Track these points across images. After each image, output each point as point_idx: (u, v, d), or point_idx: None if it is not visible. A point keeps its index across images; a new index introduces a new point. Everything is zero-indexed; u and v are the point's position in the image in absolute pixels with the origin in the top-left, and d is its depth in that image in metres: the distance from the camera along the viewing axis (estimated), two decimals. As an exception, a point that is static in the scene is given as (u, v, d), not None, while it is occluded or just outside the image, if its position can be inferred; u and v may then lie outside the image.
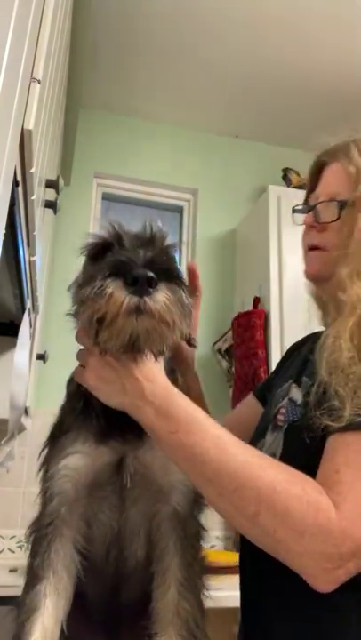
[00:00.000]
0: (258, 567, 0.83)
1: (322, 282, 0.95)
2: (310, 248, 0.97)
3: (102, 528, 0.78)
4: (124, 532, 0.78)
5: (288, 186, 2.91)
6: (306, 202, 1.04)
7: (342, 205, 0.91)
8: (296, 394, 0.89)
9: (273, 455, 0.83)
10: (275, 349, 2.41)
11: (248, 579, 0.90)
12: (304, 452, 0.77)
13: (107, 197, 3.09)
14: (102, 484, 0.76)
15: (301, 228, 1.02)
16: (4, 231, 0.65)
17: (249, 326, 2.49)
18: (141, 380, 0.71)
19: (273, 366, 2.38)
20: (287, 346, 1.15)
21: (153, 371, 0.73)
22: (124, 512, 0.77)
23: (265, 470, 0.67)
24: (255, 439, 0.95)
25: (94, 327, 0.67)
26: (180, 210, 3.20)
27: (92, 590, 0.81)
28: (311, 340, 1.00)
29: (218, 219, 3.08)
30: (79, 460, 0.75)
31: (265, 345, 2.46)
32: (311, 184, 1.04)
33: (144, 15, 2.40)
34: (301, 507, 0.64)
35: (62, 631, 0.74)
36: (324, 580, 0.65)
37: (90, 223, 2.90)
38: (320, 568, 0.65)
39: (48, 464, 0.79)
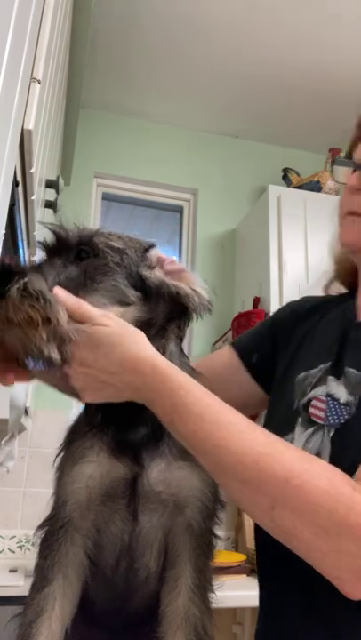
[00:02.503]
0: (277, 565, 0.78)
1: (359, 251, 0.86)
2: (350, 213, 0.85)
3: (112, 539, 0.77)
4: (136, 545, 0.77)
5: (288, 186, 2.91)
6: (350, 155, 0.90)
7: None
8: (337, 389, 0.78)
9: None
10: (275, 349, 2.41)
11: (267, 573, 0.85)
12: (358, 457, 0.66)
13: (107, 197, 3.09)
14: (115, 496, 0.75)
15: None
16: (4, 231, 0.65)
17: (249, 326, 2.48)
18: (123, 372, 0.65)
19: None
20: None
21: (128, 356, 0.65)
22: (136, 526, 0.76)
23: (278, 457, 0.59)
24: (277, 433, 0.82)
25: None
26: (180, 210, 3.20)
27: (100, 598, 0.81)
28: (338, 311, 0.91)
29: (218, 219, 3.08)
30: (94, 468, 0.74)
31: (265, 345, 2.45)
32: (357, 133, 0.90)
33: (144, 15, 2.40)
34: (328, 502, 0.56)
35: (66, 634, 0.73)
36: (355, 584, 0.57)
37: (90, 223, 2.90)
38: (350, 570, 0.56)
39: (62, 468, 0.78)
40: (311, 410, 0.80)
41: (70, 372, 0.67)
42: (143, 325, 0.72)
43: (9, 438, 1.90)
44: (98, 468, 0.75)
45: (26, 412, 1.97)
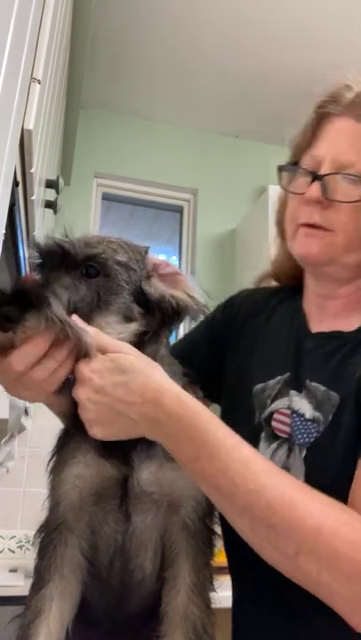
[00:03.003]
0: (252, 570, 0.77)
1: (320, 267, 0.80)
2: (307, 225, 0.78)
3: (106, 539, 0.77)
4: (130, 546, 0.77)
5: (288, 186, 2.91)
6: (295, 161, 0.82)
7: None
8: (300, 404, 0.77)
9: None
10: (275, 349, 2.40)
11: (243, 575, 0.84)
12: (338, 477, 0.67)
13: (107, 197, 3.09)
14: (107, 496, 0.76)
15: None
16: (4, 231, 0.65)
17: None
18: (142, 402, 0.63)
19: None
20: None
21: (150, 386, 0.63)
22: (129, 526, 0.76)
23: (306, 505, 0.59)
24: None
25: None
26: (180, 210, 3.20)
27: (97, 599, 0.81)
28: (284, 311, 0.89)
29: (218, 219, 3.08)
30: (81, 468, 0.75)
31: (265, 345, 2.45)
32: (306, 138, 0.83)
33: (144, 15, 2.40)
34: (352, 551, 0.56)
35: (67, 635, 0.74)
36: None
37: (90, 223, 2.90)
38: None
39: (54, 471, 0.79)
40: (274, 424, 0.79)
41: (83, 401, 0.65)
42: (140, 335, 0.73)
43: (9, 438, 1.90)
44: (86, 468, 0.75)
45: (26, 412, 1.97)
